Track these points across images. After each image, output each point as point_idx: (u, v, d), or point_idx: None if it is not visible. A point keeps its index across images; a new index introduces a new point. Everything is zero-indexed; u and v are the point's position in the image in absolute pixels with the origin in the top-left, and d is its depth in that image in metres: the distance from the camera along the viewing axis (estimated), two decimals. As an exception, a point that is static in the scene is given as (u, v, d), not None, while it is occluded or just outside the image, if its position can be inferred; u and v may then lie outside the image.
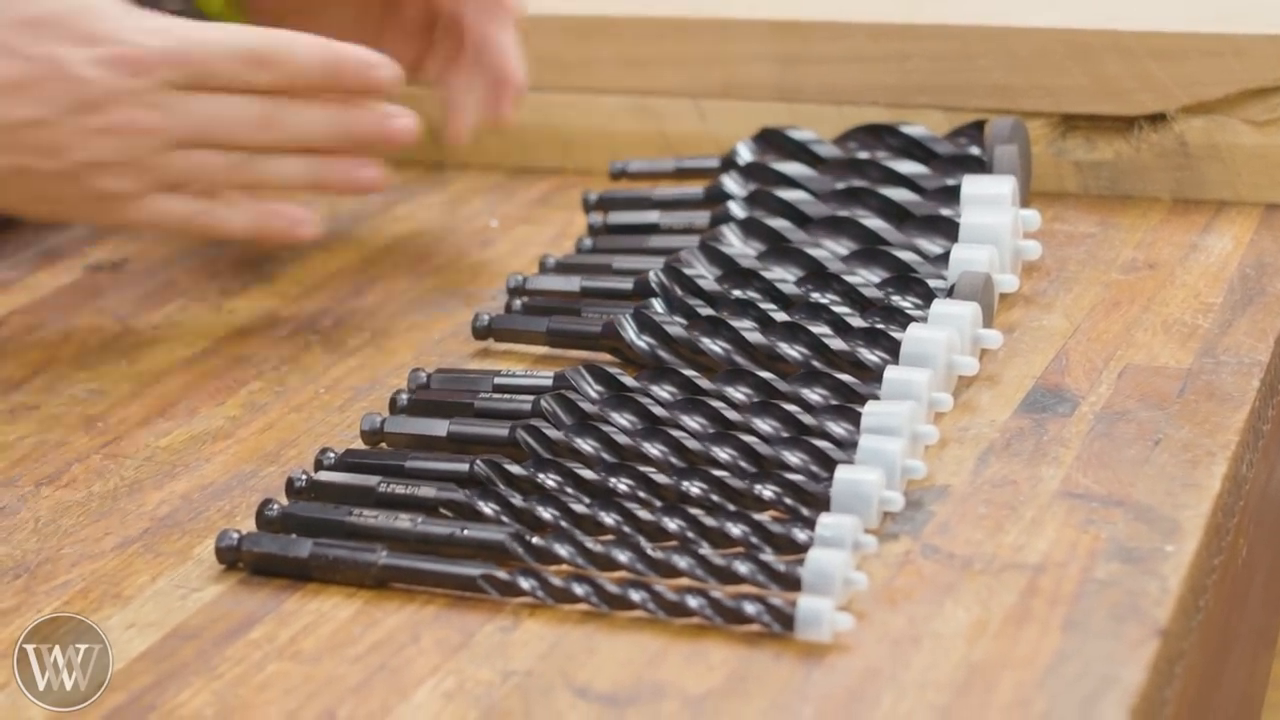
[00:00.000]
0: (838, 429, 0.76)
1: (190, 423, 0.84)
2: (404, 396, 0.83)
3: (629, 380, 0.80)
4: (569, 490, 0.74)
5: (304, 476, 0.76)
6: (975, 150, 0.96)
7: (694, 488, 0.73)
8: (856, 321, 0.83)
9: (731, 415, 0.77)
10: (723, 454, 0.75)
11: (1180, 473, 0.74)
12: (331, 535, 0.72)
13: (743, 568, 0.68)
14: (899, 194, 0.93)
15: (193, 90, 0.86)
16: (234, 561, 0.72)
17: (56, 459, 0.82)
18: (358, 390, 0.87)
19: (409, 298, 0.97)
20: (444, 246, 1.03)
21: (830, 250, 0.89)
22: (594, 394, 0.80)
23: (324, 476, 0.76)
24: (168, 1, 1.07)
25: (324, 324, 0.94)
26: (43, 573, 0.73)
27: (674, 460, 0.75)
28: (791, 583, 0.67)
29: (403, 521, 0.72)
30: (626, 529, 0.71)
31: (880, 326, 0.82)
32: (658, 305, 0.87)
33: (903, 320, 0.83)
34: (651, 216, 0.98)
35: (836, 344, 0.82)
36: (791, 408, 0.77)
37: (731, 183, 0.97)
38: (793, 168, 0.96)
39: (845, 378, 0.79)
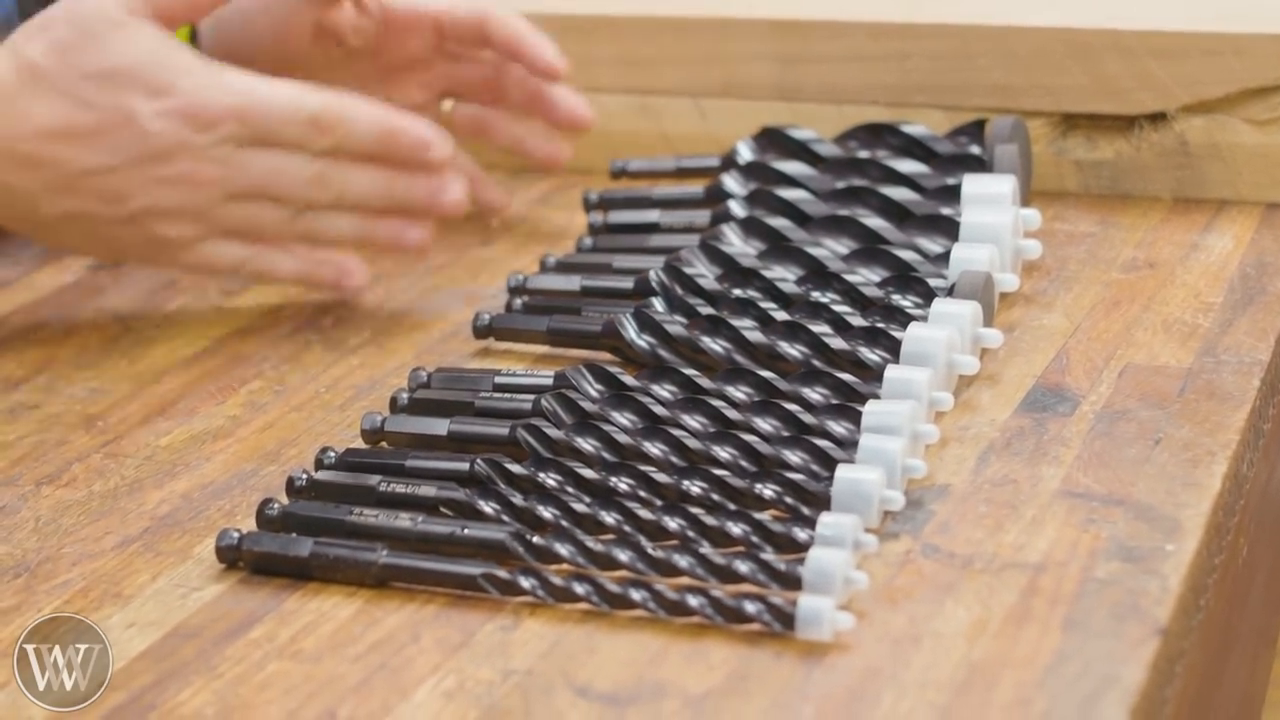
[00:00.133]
0: (838, 428, 0.76)
1: (191, 422, 0.84)
2: (404, 395, 0.83)
3: (629, 379, 0.80)
4: (569, 489, 0.74)
5: (304, 476, 0.76)
6: (976, 149, 0.96)
7: (694, 487, 0.73)
8: (857, 320, 0.83)
9: (732, 414, 0.77)
10: (723, 453, 0.75)
11: (1181, 472, 0.74)
12: (332, 534, 0.72)
13: (743, 567, 0.68)
14: (899, 193, 0.93)
15: (253, 146, 0.89)
16: (234, 561, 0.72)
17: (57, 458, 0.82)
18: (358, 389, 0.87)
19: (409, 297, 0.97)
20: (444, 245, 1.03)
21: (831, 249, 0.89)
22: (594, 393, 0.80)
23: (324, 476, 0.76)
24: None
25: (324, 323, 0.94)
26: (43, 572, 0.73)
27: (674, 459, 0.75)
28: (792, 582, 0.67)
29: (403, 521, 0.72)
30: (627, 528, 0.71)
31: (881, 326, 0.82)
32: (658, 304, 0.87)
33: (903, 319, 0.83)
34: (652, 215, 0.98)
35: (837, 343, 0.82)
36: (792, 407, 0.77)
37: (732, 182, 0.97)
38: (793, 167, 0.96)
39: (846, 377, 0.79)
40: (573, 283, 0.92)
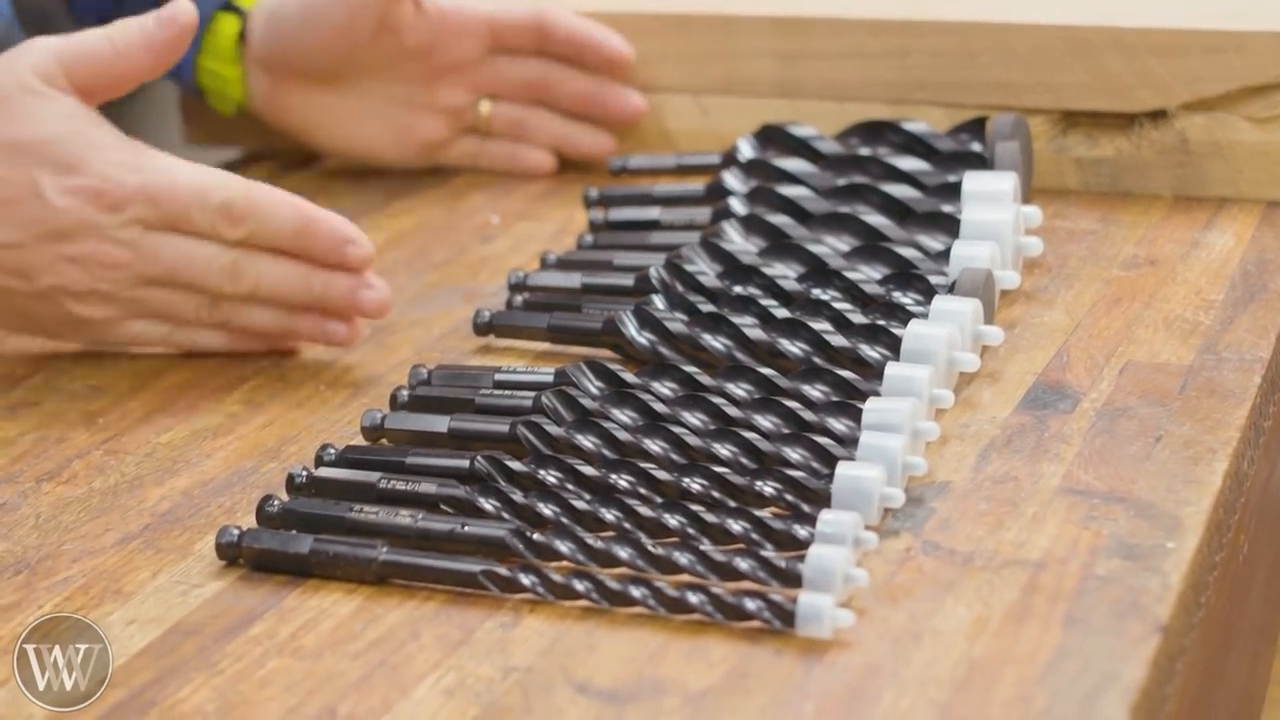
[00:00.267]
0: (839, 425, 0.76)
1: (191, 419, 0.84)
2: (405, 393, 0.83)
3: (630, 376, 0.80)
4: (570, 486, 0.74)
5: (304, 473, 0.76)
6: (976, 146, 0.96)
7: (695, 484, 0.73)
8: (857, 318, 0.83)
9: (732, 412, 0.77)
10: (723, 450, 0.75)
11: (1181, 469, 0.74)
12: (332, 531, 0.72)
13: (743, 564, 0.68)
14: (900, 190, 0.93)
15: (164, 230, 0.86)
16: (235, 558, 0.72)
17: (57, 455, 0.82)
18: (358, 386, 0.87)
19: (410, 294, 0.97)
20: (445, 242, 1.03)
21: (831, 246, 0.89)
22: (595, 390, 0.80)
23: (325, 473, 0.76)
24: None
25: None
26: (43, 569, 0.73)
27: (675, 456, 0.75)
28: (792, 579, 0.67)
29: (403, 518, 0.72)
30: (627, 525, 0.71)
31: (881, 323, 0.82)
32: (659, 301, 0.87)
33: (904, 317, 0.83)
34: (652, 213, 0.98)
35: (837, 340, 0.82)
36: (792, 404, 0.77)
37: (732, 179, 0.97)
38: (794, 164, 0.96)
39: (846, 374, 0.79)
40: (573, 280, 0.92)
